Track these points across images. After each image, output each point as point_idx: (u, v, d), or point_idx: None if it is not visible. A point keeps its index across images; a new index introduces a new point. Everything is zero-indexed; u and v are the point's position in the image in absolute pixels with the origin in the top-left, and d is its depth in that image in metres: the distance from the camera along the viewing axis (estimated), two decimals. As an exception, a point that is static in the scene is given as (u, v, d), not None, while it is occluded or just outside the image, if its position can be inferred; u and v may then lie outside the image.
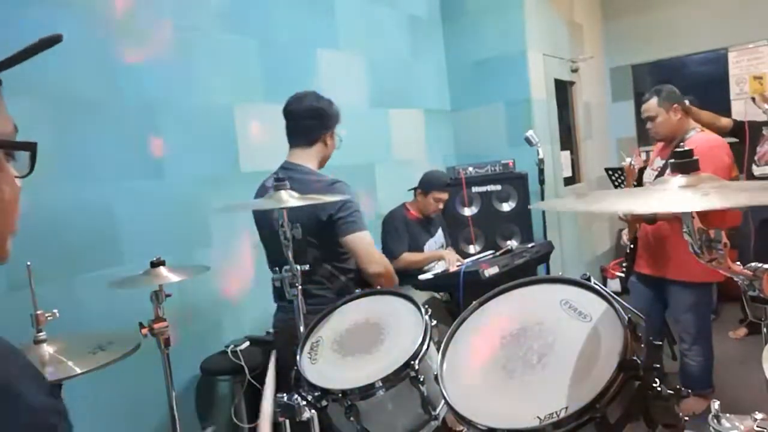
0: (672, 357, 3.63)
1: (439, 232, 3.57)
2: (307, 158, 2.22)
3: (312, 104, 2.21)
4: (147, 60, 2.62)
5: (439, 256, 3.32)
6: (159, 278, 1.96)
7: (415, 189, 3.47)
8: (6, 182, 0.65)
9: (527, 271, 3.20)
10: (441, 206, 3.45)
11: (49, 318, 1.68)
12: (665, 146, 3.07)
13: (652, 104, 2.97)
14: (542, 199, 3.56)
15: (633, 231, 3.13)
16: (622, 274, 3.35)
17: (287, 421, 1.63)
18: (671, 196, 1.04)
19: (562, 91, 5.15)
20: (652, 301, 3.07)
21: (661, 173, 2.97)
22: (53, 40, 0.68)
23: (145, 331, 1.93)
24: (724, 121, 3.69)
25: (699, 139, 2.92)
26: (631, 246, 3.13)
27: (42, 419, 0.59)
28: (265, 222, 2.23)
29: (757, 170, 3.68)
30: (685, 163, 1.06)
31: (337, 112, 2.27)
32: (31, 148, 0.67)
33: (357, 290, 1.79)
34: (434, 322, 1.54)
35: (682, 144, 2.90)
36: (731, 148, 2.94)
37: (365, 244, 2.12)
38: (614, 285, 5.08)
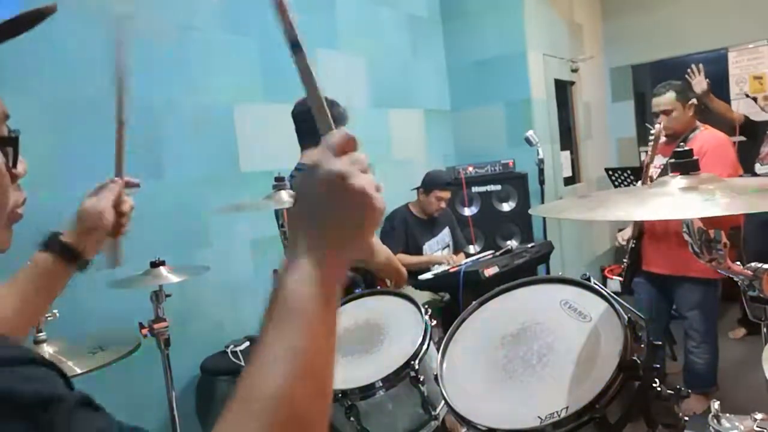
0: (672, 357, 3.63)
1: (444, 232, 3.55)
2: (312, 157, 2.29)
3: (303, 106, 2.26)
4: (147, 60, 2.61)
5: (437, 261, 3.31)
6: (159, 278, 1.96)
7: (417, 188, 3.48)
8: None
9: (527, 271, 3.20)
10: (443, 205, 3.44)
11: (49, 318, 1.68)
12: (668, 143, 3.05)
13: (669, 98, 2.92)
14: (542, 198, 3.56)
15: (637, 227, 3.08)
16: (620, 277, 3.24)
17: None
18: (673, 199, 1.03)
19: (562, 91, 5.15)
20: (658, 299, 3.05)
21: (663, 171, 2.96)
22: (46, 12, 0.62)
23: (145, 331, 1.93)
24: (737, 115, 3.72)
25: (706, 136, 2.90)
26: (634, 241, 3.08)
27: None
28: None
29: (760, 169, 3.69)
30: (685, 164, 1.06)
31: (337, 112, 2.29)
32: (11, 143, 0.64)
33: (357, 290, 1.79)
34: (434, 322, 1.54)
35: (682, 144, 2.89)
36: (740, 146, 2.91)
37: None
38: (614, 285, 5.07)
